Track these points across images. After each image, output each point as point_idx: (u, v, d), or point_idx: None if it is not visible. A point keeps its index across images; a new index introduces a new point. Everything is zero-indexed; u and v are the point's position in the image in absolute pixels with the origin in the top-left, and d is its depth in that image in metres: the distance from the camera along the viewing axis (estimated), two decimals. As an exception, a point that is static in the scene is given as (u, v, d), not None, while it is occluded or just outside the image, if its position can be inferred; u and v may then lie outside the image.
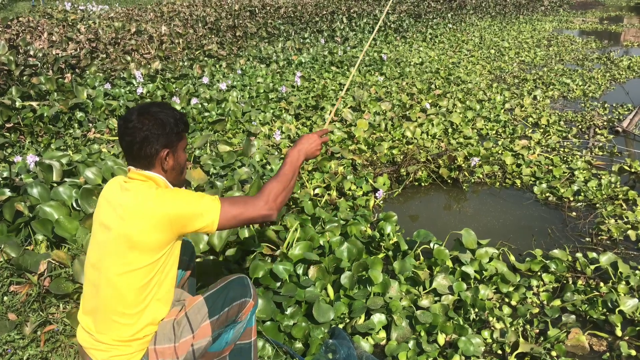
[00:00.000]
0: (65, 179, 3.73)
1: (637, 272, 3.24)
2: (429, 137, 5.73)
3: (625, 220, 3.95)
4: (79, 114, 5.89)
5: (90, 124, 5.86)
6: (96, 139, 5.43)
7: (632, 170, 4.82)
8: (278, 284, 2.88)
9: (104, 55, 8.91)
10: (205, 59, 9.69)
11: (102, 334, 1.80)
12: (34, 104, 5.72)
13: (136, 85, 7.18)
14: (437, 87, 7.94)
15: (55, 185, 3.61)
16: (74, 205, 3.41)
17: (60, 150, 4.85)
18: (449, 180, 4.76)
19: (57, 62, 7.63)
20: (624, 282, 3.15)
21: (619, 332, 2.77)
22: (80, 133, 5.58)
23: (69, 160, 4.18)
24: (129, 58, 8.79)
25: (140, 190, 1.79)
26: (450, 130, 6.00)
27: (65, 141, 5.36)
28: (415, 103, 6.93)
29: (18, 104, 5.68)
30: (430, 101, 6.96)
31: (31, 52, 7.86)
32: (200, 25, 12.41)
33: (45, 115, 5.56)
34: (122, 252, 1.73)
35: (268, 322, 2.65)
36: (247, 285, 1.93)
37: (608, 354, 2.66)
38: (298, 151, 2.11)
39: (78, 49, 8.85)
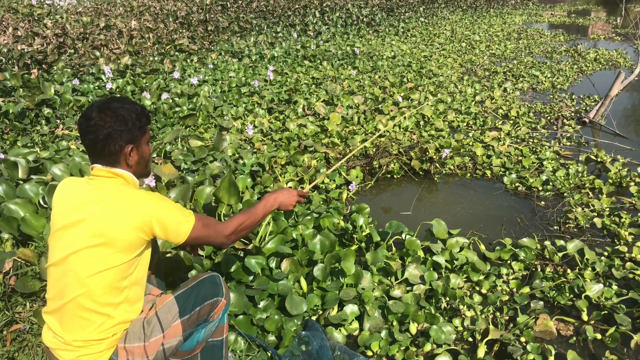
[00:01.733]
0: (32, 176, 3.65)
1: (602, 258, 3.32)
2: (401, 129, 5.77)
3: (592, 208, 4.04)
4: (47, 110, 5.76)
5: (58, 121, 5.74)
6: (64, 136, 5.32)
7: (598, 159, 4.93)
8: (251, 278, 2.87)
9: (72, 51, 8.73)
10: (176, 53, 9.57)
11: (70, 334, 1.76)
12: (-1, 100, 5.58)
13: (105, 81, 7.05)
14: (409, 80, 7.99)
15: (21, 182, 3.53)
16: (41, 202, 3.35)
17: (27, 147, 4.74)
18: (421, 172, 4.81)
19: (22, 57, 7.45)
20: (590, 269, 3.22)
21: (585, 317, 2.84)
22: (48, 130, 5.46)
23: (36, 157, 4.09)
24: (97, 53, 8.63)
25: (114, 187, 1.77)
26: (422, 122, 6.05)
27: (32, 138, 5.25)
28: (388, 96, 6.97)
29: (-18, 100, 5.53)
30: (402, 94, 7.00)
31: (-5, 48, 7.66)
32: (171, 19, 12.24)
33: (10, 111, 5.43)
34: (94, 250, 1.70)
35: (241, 316, 2.64)
36: (219, 284, 1.91)
37: (575, 338, 2.72)
38: (275, 198, 2.22)
39: (45, 44, 8.65)
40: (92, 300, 1.72)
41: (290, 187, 2.30)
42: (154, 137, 5.33)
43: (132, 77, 7.34)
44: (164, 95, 6.35)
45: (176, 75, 7.42)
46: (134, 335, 1.81)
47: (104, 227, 1.69)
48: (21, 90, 6.22)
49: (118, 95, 1.96)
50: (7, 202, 3.18)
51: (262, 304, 2.72)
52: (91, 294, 1.72)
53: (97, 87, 6.77)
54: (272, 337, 2.61)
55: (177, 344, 1.83)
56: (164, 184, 3.81)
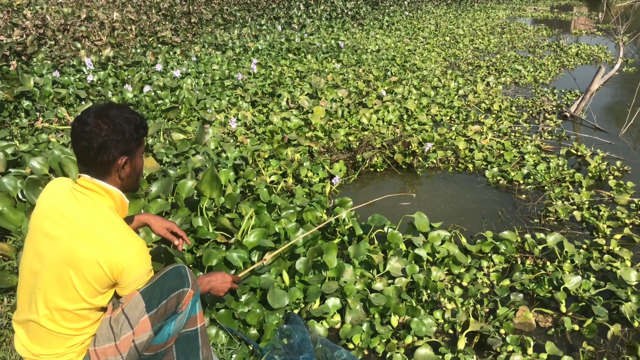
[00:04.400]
0: (10, 170, 3.60)
1: (581, 251, 3.37)
2: (385, 123, 5.78)
3: (572, 201, 4.09)
4: (26, 103, 5.66)
5: (38, 113, 5.65)
6: (44, 129, 5.24)
7: (579, 153, 4.99)
8: (232, 271, 2.86)
9: (52, 42, 8.59)
10: (159, 45, 9.47)
11: (36, 348, 1.75)
12: (-23, 92, 5.47)
13: (86, 73, 6.95)
14: (393, 74, 8.00)
15: (-1, 176, 3.47)
16: (19, 196, 3.30)
17: (6, 140, 4.66)
18: (404, 166, 4.82)
19: (1, 48, 7.31)
20: (569, 261, 3.27)
21: (563, 309, 2.89)
22: (27, 122, 5.37)
23: (15, 150, 4.03)
24: (79, 45, 8.50)
25: (99, 213, 1.71)
26: (405, 116, 6.06)
27: (11, 131, 5.16)
28: (372, 90, 6.97)
29: (-41, 92, 5.43)
30: (386, 88, 7.01)
31: (-27, 39, 7.51)
32: (153, 11, 12.09)
33: (-12, 104, 5.32)
34: (63, 275, 1.65)
35: (222, 310, 2.63)
36: (185, 275, 1.86)
37: (553, 329, 2.76)
38: (208, 282, 2.19)
39: (24, 36, 8.49)
40: (57, 324, 1.71)
41: (225, 273, 2.27)
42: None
43: (113, 70, 7.25)
44: (146, 88, 6.28)
45: (158, 67, 7.34)
46: (103, 337, 1.78)
47: (77, 253, 1.64)
48: (0, 82, 6.11)
49: (117, 103, 1.87)
50: (-16, 196, 3.13)
51: (243, 298, 2.72)
52: (56, 319, 1.70)
53: (77, 80, 6.67)
54: (253, 331, 2.61)
55: (147, 339, 1.80)
56: (145, 177, 3.78)
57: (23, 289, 1.77)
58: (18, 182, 3.36)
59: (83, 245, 1.65)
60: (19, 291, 1.80)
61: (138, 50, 8.79)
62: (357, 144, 5.02)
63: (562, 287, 2.97)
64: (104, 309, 1.81)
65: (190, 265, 2.96)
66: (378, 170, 4.81)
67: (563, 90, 7.62)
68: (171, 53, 8.86)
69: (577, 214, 3.85)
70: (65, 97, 5.97)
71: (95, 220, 1.70)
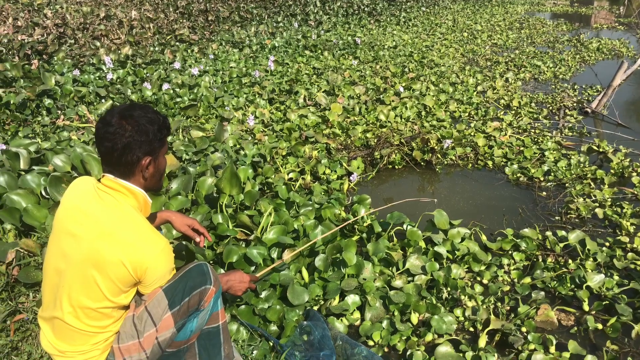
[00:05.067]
0: (34, 167, 3.65)
1: (604, 248, 3.32)
2: (403, 120, 5.76)
3: (593, 198, 4.03)
4: (47, 101, 5.75)
5: (59, 111, 5.72)
6: (65, 126, 5.31)
7: (600, 150, 4.92)
8: (252, 268, 2.88)
9: (72, 41, 8.70)
10: (177, 43, 9.53)
11: (62, 345, 1.78)
12: (0, 91, 5.56)
13: (106, 71, 7.03)
14: (411, 70, 7.96)
15: (22, 173, 3.53)
16: (43, 193, 3.35)
17: (28, 138, 4.74)
18: (422, 163, 4.80)
19: (23, 48, 7.43)
20: (591, 259, 3.23)
21: (586, 307, 2.85)
22: (49, 120, 5.45)
23: (37, 147, 4.09)
24: (98, 44, 8.59)
25: (123, 212, 1.72)
26: (423, 113, 6.03)
27: (34, 129, 5.24)
28: (389, 86, 6.94)
29: (-17, 91, 5.52)
30: (404, 84, 6.98)
31: (-5, 38, 7.63)
32: (171, 9, 12.17)
33: (11, 102, 5.41)
34: (87, 275, 1.67)
35: (243, 306, 2.65)
36: (206, 272, 1.87)
37: (576, 328, 2.73)
38: (227, 281, 2.18)
39: (45, 35, 8.62)
40: (81, 321, 1.73)
41: (244, 272, 2.27)
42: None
43: (132, 68, 7.31)
44: (165, 86, 6.33)
45: (177, 65, 7.40)
46: (126, 335, 1.81)
47: (101, 254, 1.65)
48: (22, 80, 6.20)
49: (141, 103, 1.87)
50: (9, 193, 3.18)
51: (264, 294, 2.73)
52: (80, 317, 1.72)
53: (97, 78, 6.75)
54: (274, 327, 2.62)
55: (170, 335, 1.82)
56: (165, 174, 3.81)
57: (48, 287, 1.80)
58: (41, 179, 3.41)
59: (107, 246, 1.66)
60: (44, 288, 1.83)
61: (156, 49, 8.86)
62: (375, 141, 5.01)
63: (584, 285, 2.94)
64: (126, 307, 1.83)
65: (211, 262, 2.98)
66: (396, 167, 4.79)
67: (584, 86, 7.52)
68: (189, 51, 8.91)
69: (599, 211, 3.80)
70: (85, 95, 6.05)
71: (119, 220, 1.71)
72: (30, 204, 3.12)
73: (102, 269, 1.67)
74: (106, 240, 1.67)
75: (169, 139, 4.74)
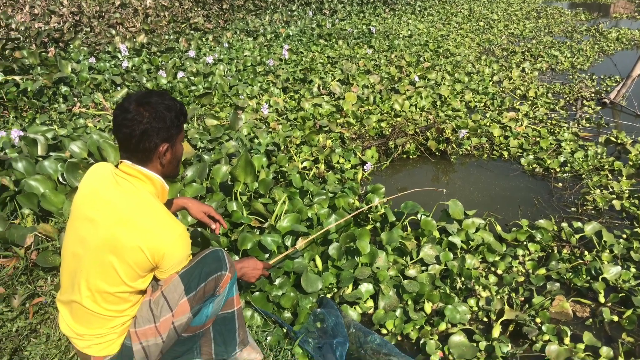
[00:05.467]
0: (51, 153, 3.69)
1: (621, 240, 3.28)
2: (418, 110, 5.72)
3: (611, 190, 3.99)
4: (64, 88, 5.79)
5: (75, 99, 5.77)
6: (81, 114, 5.36)
7: (618, 141, 4.85)
8: (267, 256, 2.89)
9: (88, 29, 8.74)
10: (192, 32, 9.54)
11: (80, 328, 1.81)
12: (17, 78, 5.62)
13: (121, 59, 7.06)
14: (426, 59, 7.89)
15: (40, 159, 3.57)
16: (60, 179, 3.38)
17: (45, 124, 4.79)
18: (437, 153, 4.77)
19: (39, 35, 7.48)
20: (607, 251, 3.20)
21: (602, 299, 2.83)
22: (65, 107, 5.50)
23: (54, 134, 4.13)
24: (113, 32, 8.63)
25: (141, 198, 1.73)
26: (438, 102, 5.99)
27: (50, 116, 5.29)
28: (404, 76, 6.90)
29: (1, 78, 5.58)
30: (419, 74, 6.93)
31: (13, 26, 7.69)
32: (186, -3, 12.17)
33: (29, 89, 5.46)
34: (104, 260, 1.69)
35: (257, 293, 2.67)
36: (222, 259, 1.89)
37: (591, 320, 2.71)
38: (240, 268, 2.19)
39: (61, 22, 8.67)
40: (99, 305, 1.75)
41: (257, 260, 2.28)
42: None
43: (147, 56, 7.34)
44: (180, 74, 6.35)
45: (191, 54, 7.41)
46: (143, 319, 1.83)
47: (119, 240, 1.67)
48: (39, 68, 6.26)
49: (157, 90, 1.87)
50: (27, 179, 3.22)
51: (277, 281, 2.75)
52: (97, 301, 1.74)
53: (113, 66, 6.78)
54: (287, 314, 2.64)
55: (186, 320, 1.84)
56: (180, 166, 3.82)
57: (66, 271, 1.83)
58: (58, 165, 3.45)
59: (125, 232, 1.68)
60: (62, 273, 1.85)
61: (171, 37, 8.87)
62: (390, 130, 4.99)
63: (600, 277, 2.91)
64: (143, 292, 1.85)
65: (226, 249, 2.99)
66: (411, 157, 4.77)
67: (602, 76, 7.41)
68: (203, 39, 8.92)
69: (616, 203, 3.76)
70: (101, 82, 6.08)
71: (137, 206, 1.73)
72: (48, 189, 3.16)
73: (119, 254, 1.69)
74: (124, 225, 1.69)
75: (184, 126, 4.76)
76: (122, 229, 1.68)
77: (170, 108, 1.76)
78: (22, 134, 3.91)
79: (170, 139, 1.79)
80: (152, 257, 1.71)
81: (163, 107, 1.74)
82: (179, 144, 1.88)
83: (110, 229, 1.69)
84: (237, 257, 2.87)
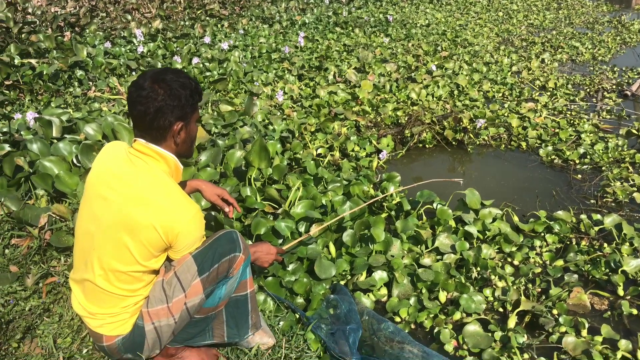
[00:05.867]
0: (65, 135, 3.69)
1: (641, 233, 3.21)
2: (435, 99, 5.64)
3: (631, 183, 3.90)
4: (79, 72, 5.81)
5: (91, 83, 5.78)
6: (97, 98, 5.36)
7: (640, 133, 4.75)
8: (280, 241, 2.87)
9: (104, 14, 8.75)
10: (207, 18, 9.51)
11: (92, 307, 1.80)
12: (33, 61, 5.64)
13: (137, 44, 7.06)
14: (444, 49, 7.79)
15: (55, 141, 3.57)
16: (74, 161, 3.38)
17: (60, 108, 4.79)
18: (454, 142, 4.70)
19: (55, 20, 7.50)
20: (627, 244, 3.12)
21: (621, 292, 2.77)
22: (81, 92, 5.51)
23: (69, 117, 4.13)
24: (129, 17, 8.63)
25: (155, 177, 1.71)
26: (456, 92, 5.90)
27: (66, 99, 5.30)
28: (421, 65, 6.81)
29: (17, 61, 5.60)
30: (436, 63, 6.83)
31: (29, 10, 7.72)
32: (202, -16, 12.13)
33: (44, 73, 5.48)
34: (117, 239, 1.68)
35: (270, 278, 2.64)
36: (236, 240, 1.85)
37: (609, 312, 2.65)
38: (254, 252, 2.17)
39: (77, 7, 8.69)
40: (111, 284, 1.74)
41: (271, 245, 2.25)
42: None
43: (163, 41, 7.33)
44: (195, 60, 6.32)
45: (207, 40, 7.38)
46: (155, 299, 1.82)
47: (133, 218, 1.65)
48: (55, 52, 6.28)
49: (173, 67, 1.84)
50: (42, 160, 3.22)
51: (291, 267, 2.72)
52: (110, 280, 1.73)
53: (128, 51, 6.78)
54: (300, 300, 2.61)
55: (199, 302, 1.82)
56: (194, 147, 3.80)
57: (79, 250, 1.81)
58: (73, 147, 3.44)
59: (139, 210, 1.66)
60: (75, 251, 1.84)
61: (186, 23, 8.85)
62: (406, 119, 4.92)
63: (620, 269, 2.84)
64: (156, 272, 1.84)
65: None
66: (427, 146, 4.71)
67: (624, 68, 7.25)
68: (219, 26, 8.89)
69: (637, 195, 3.67)
70: (116, 67, 6.09)
71: (151, 185, 1.70)
72: (62, 170, 3.16)
73: (133, 232, 1.67)
74: (138, 204, 1.66)
75: (199, 112, 4.74)
76: (136, 207, 1.66)
77: (185, 86, 1.73)
78: (37, 116, 3.92)
79: (184, 118, 1.76)
80: (165, 237, 1.69)
81: (178, 85, 1.71)
82: (194, 123, 1.84)
83: (124, 207, 1.67)
84: (250, 242, 2.84)
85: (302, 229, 2.99)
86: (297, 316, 2.45)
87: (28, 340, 2.19)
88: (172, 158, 1.80)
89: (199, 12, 9.79)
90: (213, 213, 2.85)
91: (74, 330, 2.23)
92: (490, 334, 2.46)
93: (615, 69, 7.22)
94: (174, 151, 1.81)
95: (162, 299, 1.81)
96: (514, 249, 3.11)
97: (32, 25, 7.03)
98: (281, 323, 2.37)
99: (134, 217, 1.66)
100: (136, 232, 1.67)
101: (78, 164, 3.37)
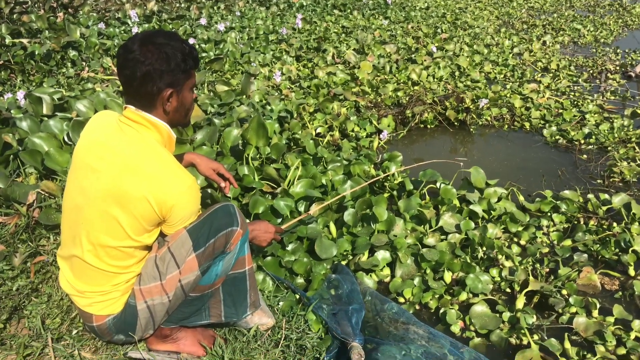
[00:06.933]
0: (57, 113, 3.56)
1: (651, 213, 3.11)
2: (436, 80, 5.52)
3: (639, 162, 3.80)
4: (72, 53, 5.65)
5: (84, 63, 5.63)
6: (90, 78, 5.22)
7: (645, 114, 4.64)
8: (279, 220, 2.76)
9: (98, -4, 8.55)
10: (203, 0, 9.32)
11: (81, 285, 1.70)
12: (25, 41, 5.48)
13: (131, 25, 6.89)
14: (444, 31, 7.64)
15: (45, 119, 3.44)
16: (65, 139, 3.26)
17: (53, 88, 4.65)
18: (456, 123, 4.59)
19: (48, 1, 7.31)
20: (637, 223, 3.03)
21: (632, 272, 2.68)
22: (74, 72, 5.36)
23: (61, 95, 4.00)
24: (123, -1, 8.43)
25: (147, 146, 1.60)
26: (457, 73, 5.78)
27: (58, 80, 5.15)
28: (421, 46, 6.67)
29: (8, 41, 5.45)
30: (436, 45, 6.70)
31: (21, -10, 7.52)
32: (197, -33, 11.90)
33: (36, 53, 5.33)
34: (107, 211, 1.57)
35: (269, 257, 2.54)
36: (233, 214, 1.74)
37: (620, 293, 2.56)
38: (252, 230, 2.08)
39: (70, -11, 8.47)
40: (101, 260, 1.64)
41: (269, 223, 2.15)
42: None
43: (158, 23, 7.16)
44: (191, 41, 6.17)
45: (203, 21, 7.22)
46: (148, 276, 1.71)
47: (124, 189, 1.54)
48: (47, 32, 6.11)
49: (167, 30, 1.71)
50: (32, 136, 3.10)
51: (290, 247, 2.62)
52: (100, 255, 1.63)
53: (123, 32, 6.62)
54: (300, 280, 2.52)
55: (194, 279, 1.71)
56: (190, 126, 3.68)
57: (66, 224, 1.70)
58: (64, 124, 3.32)
59: (130, 181, 1.55)
60: (63, 226, 1.73)
61: (182, 5, 8.68)
62: (407, 99, 4.80)
63: (630, 249, 2.76)
64: (149, 248, 1.73)
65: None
66: (429, 126, 4.60)
67: (627, 50, 7.13)
68: (215, 8, 8.70)
69: (645, 175, 3.58)
70: (110, 48, 5.93)
71: (143, 154, 1.59)
72: (53, 147, 3.04)
73: (124, 205, 1.56)
74: (129, 174, 1.55)
75: (195, 92, 4.61)
76: (127, 178, 1.55)
77: (176, 49, 1.60)
78: (28, 93, 3.78)
79: (175, 84, 1.63)
80: (159, 209, 1.58)
81: (169, 48, 1.58)
82: (188, 91, 1.71)
83: (114, 178, 1.56)
84: (248, 221, 2.74)
85: (301, 208, 2.88)
86: (298, 296, 2.35)
87: (15, 321, 2.09)
88: (164, 126, 1.68)
89: (194, -6, 9.58)
90: (209, 190, 2.74)
91: (63, 310, 2.13)
92: (498, 315, 2.37)
93: (618, 50, 7.10)
94: (166, 119, 1.69)
95: (155, 276, 1.71)
96: (520, 228, 3.02)
97: (24, 6, 6.85)
98: (281, 303, 2.26)
99: (125, 188, 1.55)
100: (127, 205, 1.56)
101: (69, 142, 3.25)
